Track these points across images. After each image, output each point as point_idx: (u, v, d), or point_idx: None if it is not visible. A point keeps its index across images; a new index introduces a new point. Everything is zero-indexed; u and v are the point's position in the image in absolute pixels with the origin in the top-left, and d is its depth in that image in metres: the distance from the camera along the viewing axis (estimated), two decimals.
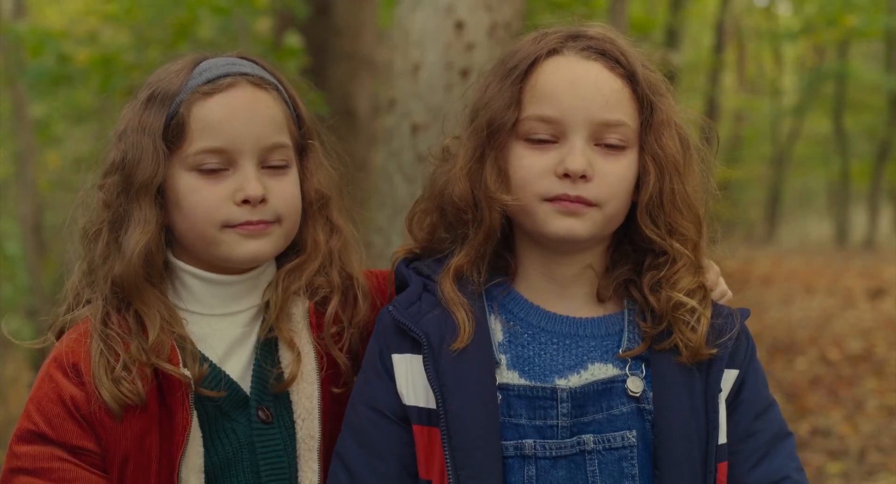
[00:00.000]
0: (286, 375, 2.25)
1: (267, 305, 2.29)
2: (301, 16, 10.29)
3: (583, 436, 2.02)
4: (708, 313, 2.06)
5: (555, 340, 2.08)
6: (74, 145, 14.33)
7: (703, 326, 2.03)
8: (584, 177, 1.99)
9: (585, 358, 2.05)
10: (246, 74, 2.20)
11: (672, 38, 20.67)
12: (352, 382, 2.30)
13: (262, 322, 2.28)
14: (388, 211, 4.80)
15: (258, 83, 2.20)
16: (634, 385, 2.03)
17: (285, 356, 2.27)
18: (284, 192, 2.21)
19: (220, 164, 2.15)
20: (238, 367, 2.25)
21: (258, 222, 2.17)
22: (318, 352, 2.30)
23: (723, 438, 2.04)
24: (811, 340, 10.22)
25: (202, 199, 2.15)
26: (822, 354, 9.78)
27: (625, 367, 2.05)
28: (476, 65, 4.26)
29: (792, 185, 30.80)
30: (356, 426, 2.14)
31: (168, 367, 2.14)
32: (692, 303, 2.04)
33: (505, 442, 2.03)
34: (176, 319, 2.20)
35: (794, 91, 29.43)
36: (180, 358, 2.17)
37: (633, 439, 2.02)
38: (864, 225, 25.36)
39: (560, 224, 2.01)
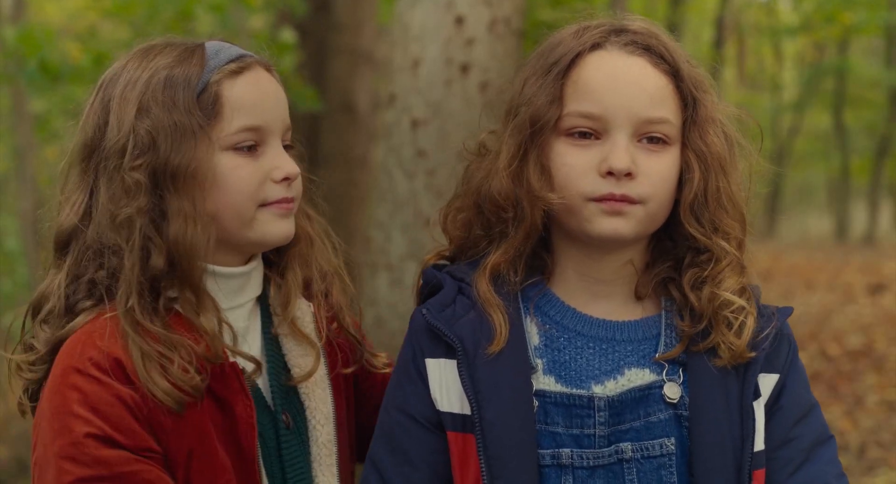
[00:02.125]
0: (297, 371, 2.22)
1: (262, 298, 2.26)
2: (298, 12, 10.28)
3: (621, 444, 1.98)
4: (755, 313, 2.01)
5: (591, 345, 2.03)
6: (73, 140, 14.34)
7: (750, 328, 1.98)
8: (628, 174, 1.96)
9: (622, 363, 2.01)
10: (252, 56, 2.16)
11: (672, 34, 20.63)
12: (360, 360, 2.32)
13: (261, 316, 2.25)
14: (389, 206, 4.80)
15: (267, 66, 2.18)
16: (671, 391, 1.99)
17: (294, 351, 2.24)
18: (299, 173, 2.19)
19: (256, 142, 2.09)
20: (248, 364, 2.18)
21: (292, 199, 2.14)
22: (328, 355, 2.28)
23: (760, 445, 1.99)
24: (811, 335, 10.21)
25: (244, 177, 2.08)
26: (822, 349, 9.78)
27: (662, 372, 2.01)
28: (476, 60, 4.26)
29: (792, 181, 30.78)
30: (388, 431, 2.11)
31: (241, 352, 2.11)
32: (740, 302, 2.00)
33: (542, 450, 1.99)
34: (218, 307, 2.13)
35: (794, 86, 29.42)
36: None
37: (672, 447, 1.98)
38: (864, 220, 25.36)
39: (606, 224, 1.97)
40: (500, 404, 1.99)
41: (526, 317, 2.07)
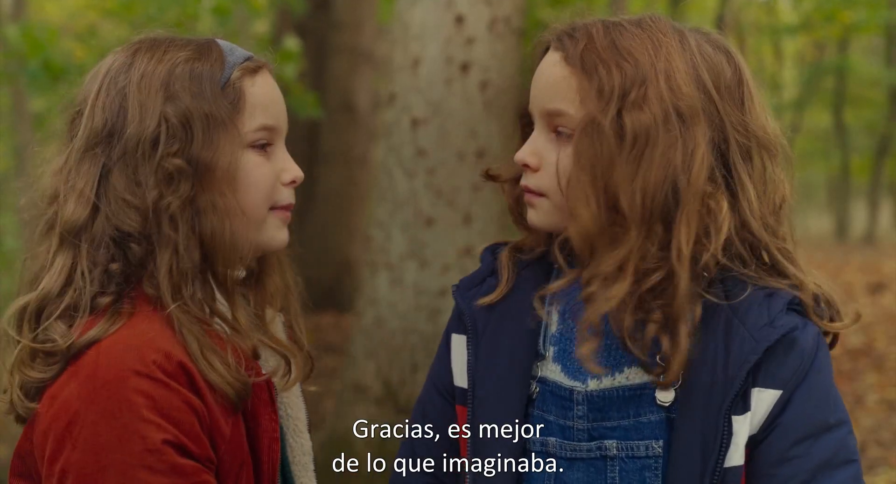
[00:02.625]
0: (277, 380, 2.12)
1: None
2: (298, 10, 10.29)
3: (605, 441, 1.97)
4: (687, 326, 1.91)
5: (598, 336, 2.04)
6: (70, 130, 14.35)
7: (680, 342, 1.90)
8: (525, 165, 1.98)
9: (623, 360, 1.97)
10: (260, 58, 2.16)
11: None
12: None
13: None
14: (389, 205, 4.80)
15: (271, 69, 2.18)
16: (663, 395, 1.94)
17: (270, 361, 2.13)
18: (303, 177, 2.16)
19: (269, 142, 2.04)
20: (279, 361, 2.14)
21: (292, 206, 2.10)
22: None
23: (736, 461, 1.90)
24: None
25: (264, 175, 2.02)
26: None
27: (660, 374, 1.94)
28: (476, 59, 4.27)
29: (792, 180, 30.80)
30: (422, 400, 2.18)
31: (276, 347, 2.07)
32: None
33: (535, 436, 2.01)
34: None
35: (794, 85, 29.44)
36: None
37: (659, 450, 1.95)
38: (865, 220, 25.37)
39: (529, 214, 2.03)
40: (492, 384, 2.02)
41: (552, 305, 2.05)
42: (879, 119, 24.86)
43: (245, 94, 2.01)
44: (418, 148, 4.36)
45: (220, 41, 2.10)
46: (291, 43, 9.54)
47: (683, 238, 1.87)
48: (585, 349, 1.92)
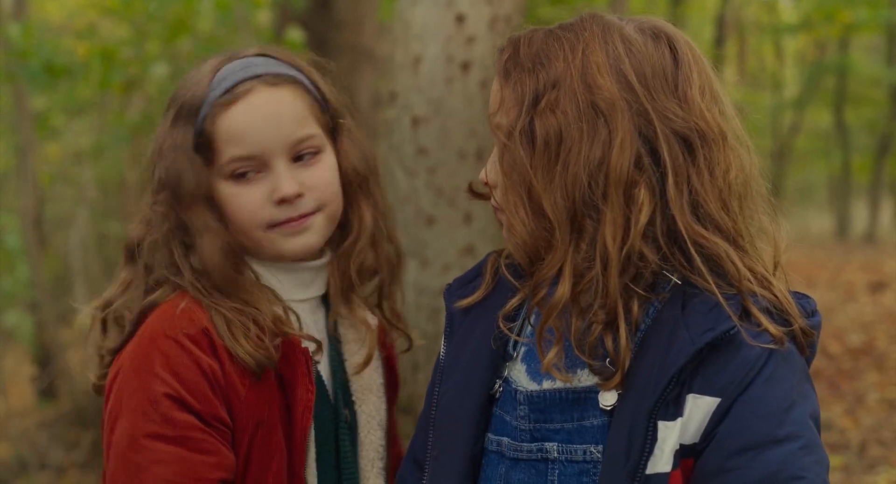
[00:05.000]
0: (352, 364, 2.37)
1: (326, 296, 2.38)
2: (298, 7, 10.27)
3: (546, 443, 1.96)
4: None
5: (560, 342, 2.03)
6: (74, 138, 14.33)
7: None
8: None
9: (578, 362, 1.96)
10: (259, 76, 2.23)
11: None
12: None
13: (326, 313, 2.37)
14: (389, 204, 4.80)
15: (274, 82, 2.23)
16: (606, 398, 1.90)
17: (350, 344, 2.38)
18: (320, 179, 2.27)
19: (253, 169, 2.22)
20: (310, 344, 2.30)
21: (299, 217, 2.24)
22: (387, 368, 2.46)
23: (661, 468, 1.83)
24: None
25: (243, 204, 2.23)
26: (822, 347, 9.75)
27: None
28: (477, 58, 4.26)
29: (793, 179, 30.77)
30: (426, 400, 2.21)
31: (301, 333, 2.25)
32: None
33: (493, 436, 2.03)
34: (279, 296, 2.29)
35: (794, 84, 29.40)
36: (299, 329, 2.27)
37: (598, 455, 1.90)
38: (865, 219, 25.37)
39: None
40: (456, 381, 2.06)
41: (534, 306, 2.05)
42: (880, 118, 24.85)
43: (214, 134, 2.21)
44: (419, 147, 4.35)
45: (222, 69, 2.26)
46: (295, 34, 9.52)
47: (609, 232, 1.85)
48: (550, 357, 1.91)
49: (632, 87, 1.89)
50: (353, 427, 2.36)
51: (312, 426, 2.22)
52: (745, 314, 1.87)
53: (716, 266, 1.89)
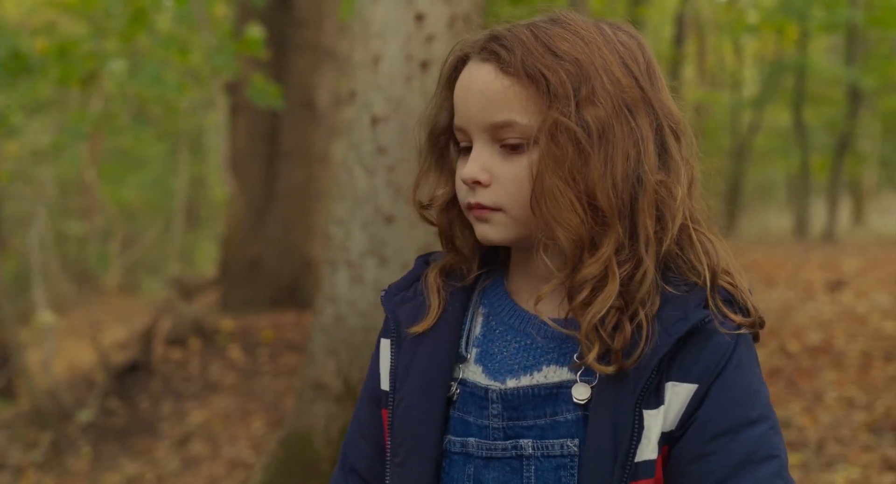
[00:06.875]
0: None
1: None
2: (258, 4, 10.23)
3: (520, 440, 1.96)
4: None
5: (518, 339, 2.00)
6: (33, 136, 14.23)
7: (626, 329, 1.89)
8: (476, 182, 1.96)
9: (542, 359, 1.96)
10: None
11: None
12: None
13: None
14: (348, 203, 4.78)
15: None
16: (579, 392, 1.92)
17: None
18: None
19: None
20: None
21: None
22: None
23: (647, 455, 1.87)
24: (771, 331, 10.26)
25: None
26: (781, 345, 9.84)
27: (577, 372, 1.94)
28: (436, 57, 4.26)
29: (752, 178, 31.00)
30: (357, 406, 2.20)
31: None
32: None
33: (454, 437, 2.01)
34: None
35: (754, 83, 29.62)
36: None
37: (575, 448, 1.92)
38: (824, 217, 25.57)
39: (478, 229, 2.00)
40: (412, 386, 2.03)
41: (479, 308, 2.07)
42: (839, 117, 25.07)
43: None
44: (378, 145, 4.35)
45: None
46: (255, 30, 9.47)
47: (649, 227, 1.87)
48: (593, 355, 1.87)
49: (640, 85, 1.92)
50: None
51: None
52: (715, 303, 1.91)
53: (694, 256, 1.93)
